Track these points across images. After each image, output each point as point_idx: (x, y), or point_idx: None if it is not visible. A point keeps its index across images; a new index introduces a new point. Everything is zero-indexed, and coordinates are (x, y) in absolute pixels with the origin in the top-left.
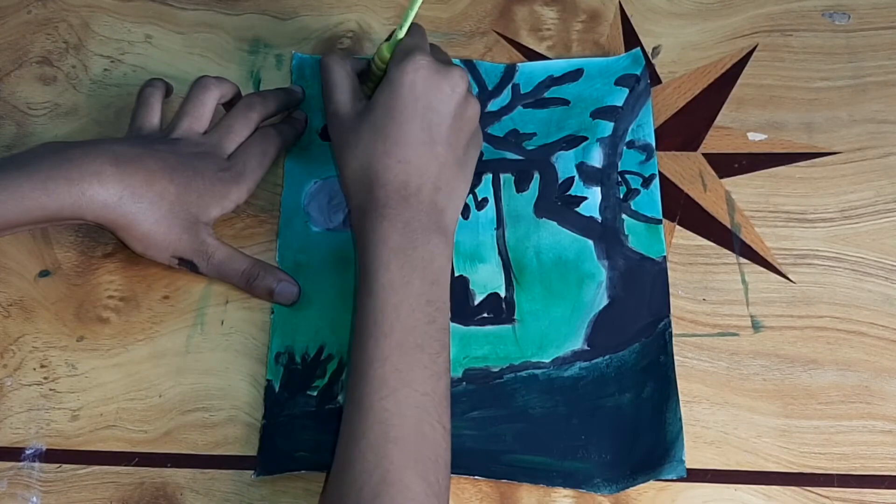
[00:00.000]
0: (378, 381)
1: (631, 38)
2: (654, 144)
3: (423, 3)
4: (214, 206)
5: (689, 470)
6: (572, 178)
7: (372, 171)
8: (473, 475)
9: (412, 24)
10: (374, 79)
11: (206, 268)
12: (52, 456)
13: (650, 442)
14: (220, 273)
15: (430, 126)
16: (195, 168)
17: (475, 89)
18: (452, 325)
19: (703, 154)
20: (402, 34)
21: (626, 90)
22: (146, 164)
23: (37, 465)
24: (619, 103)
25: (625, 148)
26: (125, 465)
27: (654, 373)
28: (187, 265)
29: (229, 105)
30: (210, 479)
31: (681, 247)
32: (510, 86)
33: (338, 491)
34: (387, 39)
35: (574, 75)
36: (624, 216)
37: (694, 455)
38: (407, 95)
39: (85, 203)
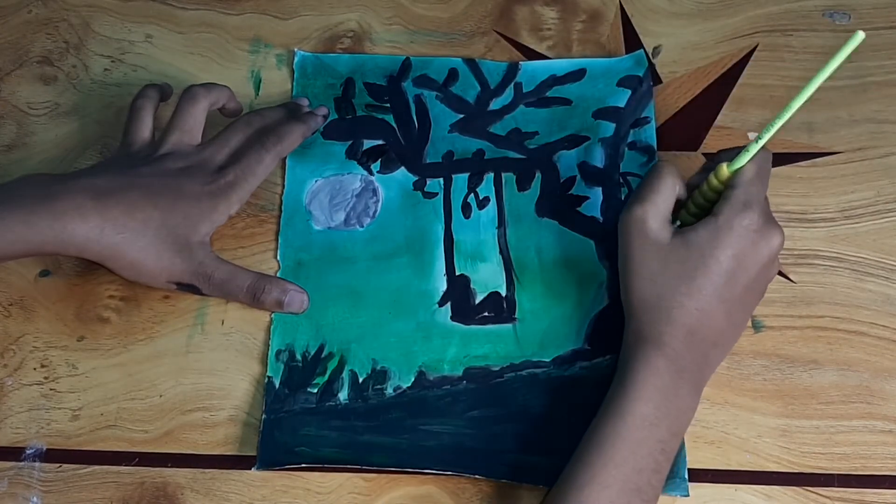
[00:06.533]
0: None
1: (631, 38)
2: (655, 146)
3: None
4: (203, 223)
5: (689, 470)
6: (574, 178)
7: (665, 304)
8: (474, 475)
9: (761, 150)
10: (702, 195)
11: (208, 289)
12: (53, 456)
13: None
14: (223, 292)
15: (734, 283)
16: (179, 187)
17: (477, 88)
18: (453, 323)
19: (704, 154)
20: (748, 156)
21: (629, 91)
22: (127, 196)
23: (37, 464)
24: (622, 104)
25: (626, 149)
26: (126, 465)
27: None
28: (188, 289)
29: (230, 112)
30: (210, 478)
31: None
32: (512, 84)
33: None
34: (728, 160)
35: (576, 75)
36: None
37: (694, 455)
38: (728, 248)
39: (67, 238)
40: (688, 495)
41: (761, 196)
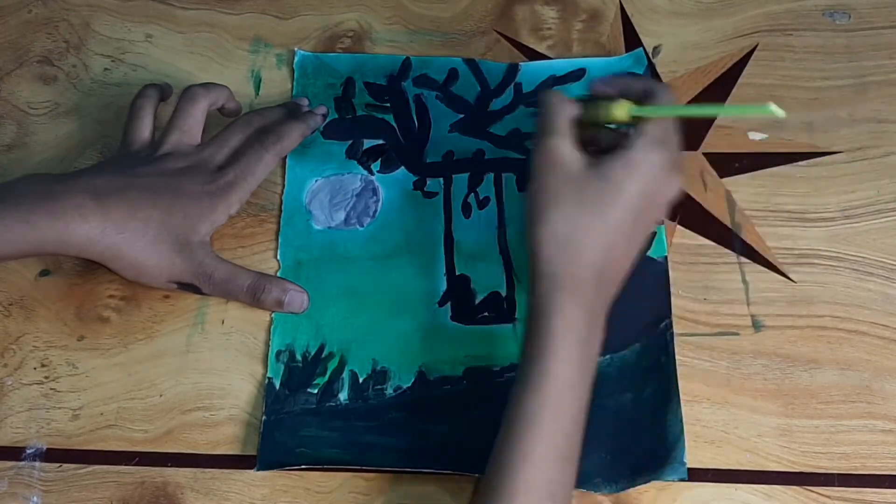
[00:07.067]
0: (524, 485)
1: (631, 38)
2: None
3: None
4: (203, 222)
5: (689, 469)
6: None
7: (576, 244)
8: (475, 474)
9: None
10: (591, 123)
11: (209, 288)
12: (53, 455)
13: (651, 443)
14: (223, 291)
15: (644, 220)
16: (179, 187)
17: (477, 88)
18: (453, 323)
19: (704, 153)
20: (658, 111)
21: None
22: (127, 195)
23: (37, 464)
24: None
25: None
26: (126, 465)
27: (655, 373)
28: (188, 288)
29: (229, 112)
30: (210, 478)
31: (681, 246)
32: (512, 85)
33: None
34: (620, 98)
35: (576, 75)
36: None
37: (694, 455)
38: (643, 186)
39: (68, 237)
40: (686, 478)
41: (676, 136)
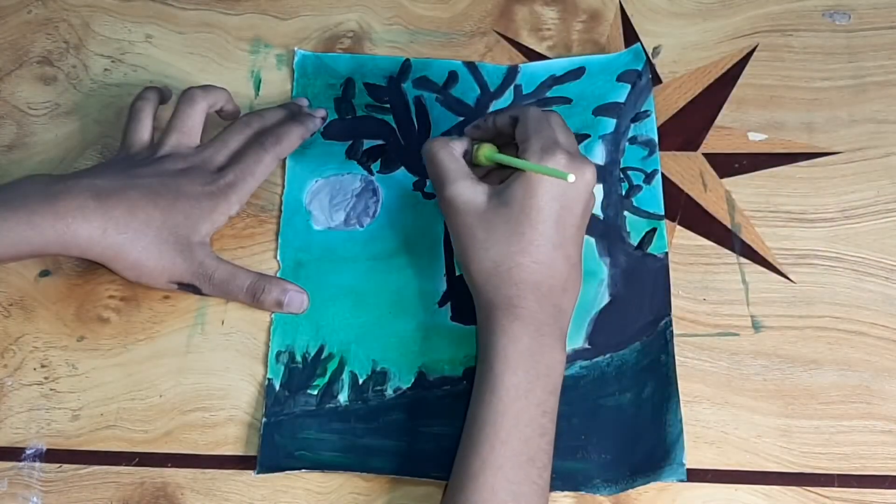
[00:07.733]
0: (488, 491)
1: (631, 38)
2: (656, 139)
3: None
4: (204, 223)
5: (689, 470)
6: None
7: (503, 268)
8: None
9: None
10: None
11: (209, 289)
12: (53, 456)
13: (650, 443)
14: (223, 292)
15: (563, 226)
16: (179, 188)
17: (477, 91)
18: (452, 324)
19: (704, 154)
20: (506, 162)
21: (628, 86)
22: (128, 196)
23: (37, 464)
24: (622, 100)
25: (627, 144)
26: (125, 465)
27: (654, 372)
28: (188, 289)
29: (228, 115)
30: (210, 479)
31: (681, 247)
32: (512, 87)
33: None
34: (483, 139)
35: (576, 73)
36: (626, 213)
37: (694, 455)
38: (545, 195)
39: (70, 238)
40: (685, 479)
41: (556, 137)
